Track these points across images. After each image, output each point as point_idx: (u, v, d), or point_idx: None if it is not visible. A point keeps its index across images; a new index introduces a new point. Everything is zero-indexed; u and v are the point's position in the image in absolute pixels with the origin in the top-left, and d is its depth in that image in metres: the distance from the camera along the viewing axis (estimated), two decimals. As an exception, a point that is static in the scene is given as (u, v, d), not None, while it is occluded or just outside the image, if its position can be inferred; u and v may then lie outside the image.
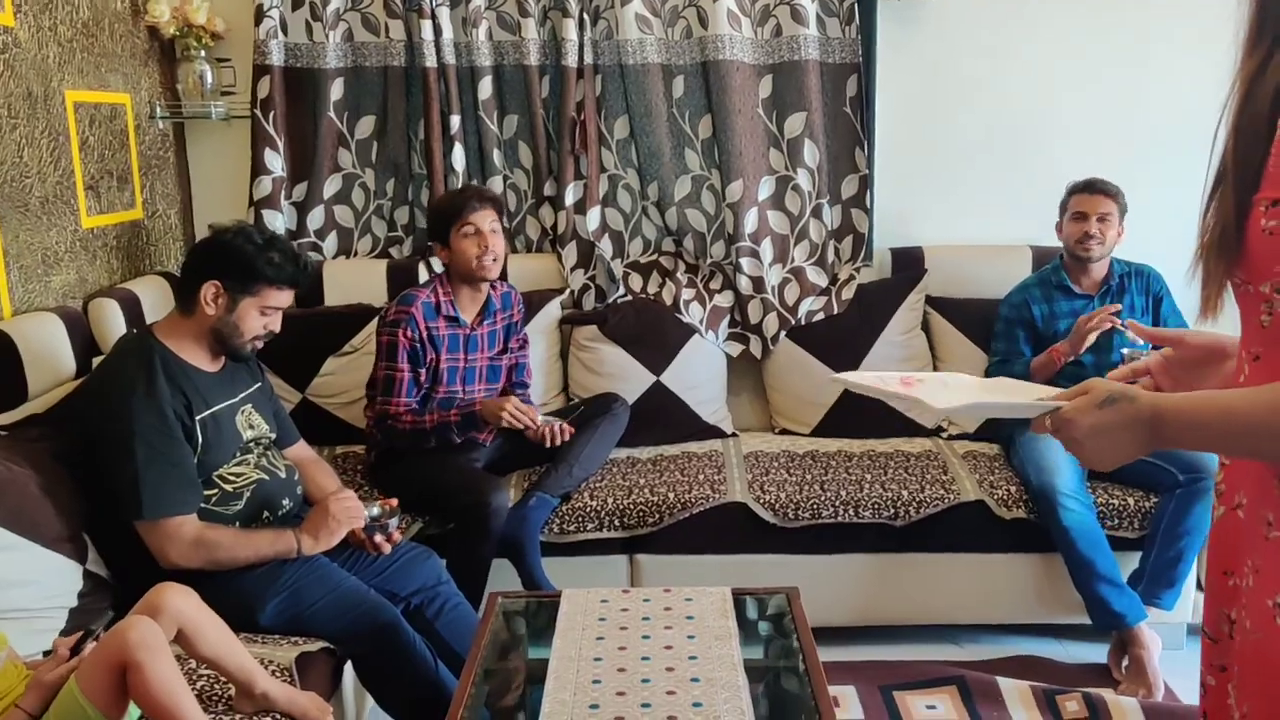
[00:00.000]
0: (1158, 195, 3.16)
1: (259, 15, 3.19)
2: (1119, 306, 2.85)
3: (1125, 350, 2.73)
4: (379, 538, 2.27)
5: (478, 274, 2.78)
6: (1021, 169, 3.39)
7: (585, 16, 3.21)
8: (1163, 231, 3.08)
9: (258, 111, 3.24)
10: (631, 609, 2.02)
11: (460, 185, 3.20)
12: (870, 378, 1.32)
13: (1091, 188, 2.98)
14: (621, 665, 1.79)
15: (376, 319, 2.91)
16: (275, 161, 3.27)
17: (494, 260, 2.79)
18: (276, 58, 3.23)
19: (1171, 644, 2.77)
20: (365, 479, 2.87)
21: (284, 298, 2.25)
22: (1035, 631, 2.91)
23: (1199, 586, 2.79)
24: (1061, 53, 3.32)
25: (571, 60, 3.21)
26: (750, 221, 3.26)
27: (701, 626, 1.94)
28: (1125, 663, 2.68)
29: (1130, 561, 2.75)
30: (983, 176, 3.41)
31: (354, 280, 3.33)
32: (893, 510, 2.74)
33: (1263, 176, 1.00)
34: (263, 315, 2.22)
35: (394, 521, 2.28)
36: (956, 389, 1.27)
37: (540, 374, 3.19)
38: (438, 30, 3.19)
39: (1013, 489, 2.77)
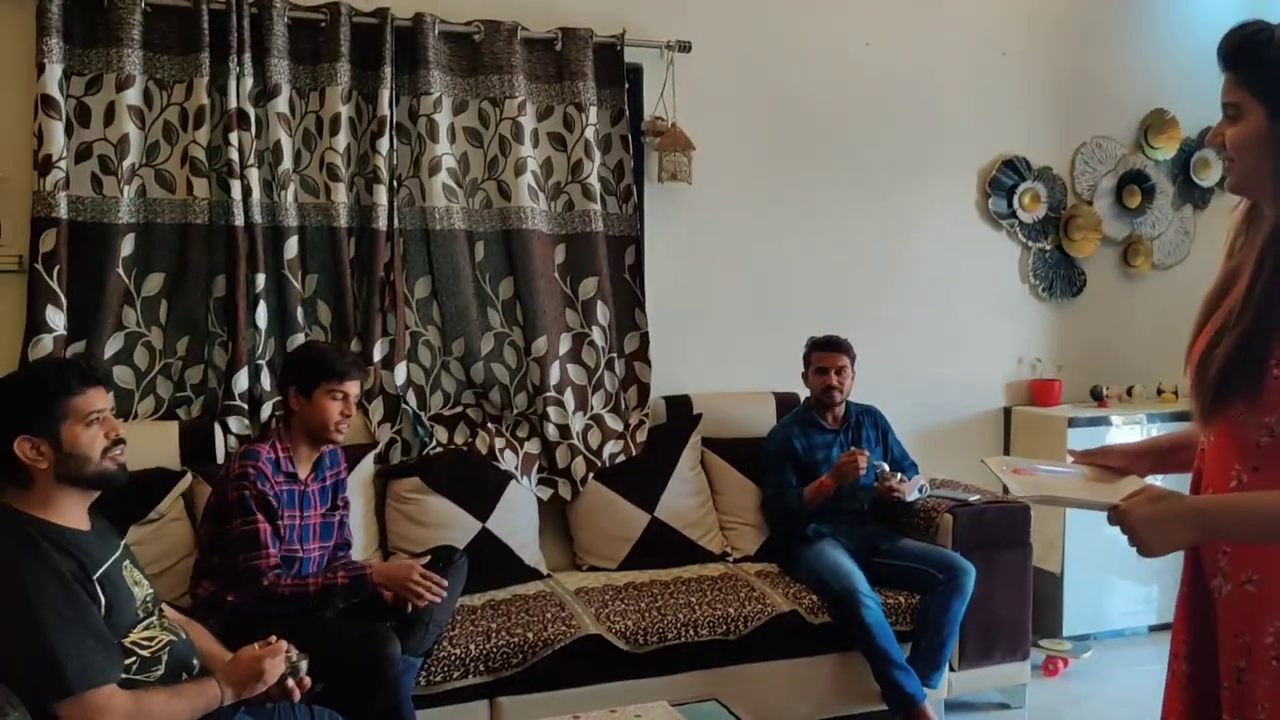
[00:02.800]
0: (872, 344, 3.89)
1: (46, 166, 3.01)
2: (867, 454, 3.42)
3: (876, 471, 3.37)
4: (290, 683, 2.16)
5: (330, 436, 2.80)
6: (762, 327, 4.00)
7: (395, 183, 3.38)
8: (877, 375, 3.80)
9: (39, 266, 3.02)
10: (596, 733, 2.15)
11: (330, 343, 3.24)
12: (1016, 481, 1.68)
13: (829, 345, 3.56)
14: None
15: (223, 475, 2.78)
16: (57, 319, 3.04)
17: (347, 427, 2.83)
18: (63, 210, 3.04)
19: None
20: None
21: (95, 398, 2.07)
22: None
23: (950, 669, 3.39)
24: (790, 230, 4.02)
25: (382, 224, 3.35)
26: (554, 374, 3.53)
27: (671, 738, 2.13)
28: (913, 739, 3.16)
29: (904, 651, 3.27)
30: (732, 333, 3.97)
31: (140, 445, 3.07)
32: (725, 627, 3.07)
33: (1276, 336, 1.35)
34: (89, 426, 2.03)
35: (304, 665, 2.20)
36: (1043, 483, 1.63)
37: (358, 530, 3.17)
38: (246, 190, 3.20)
39: (813, 598, 3.22)
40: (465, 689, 2.83)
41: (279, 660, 2.13)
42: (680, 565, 3.48)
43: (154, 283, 3.22)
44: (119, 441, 2.09)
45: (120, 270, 3.14)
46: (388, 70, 3.33)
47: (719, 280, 3.96)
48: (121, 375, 3.20)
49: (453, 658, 2.81)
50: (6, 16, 3.06)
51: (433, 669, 2.78)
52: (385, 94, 3.33)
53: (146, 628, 2.06)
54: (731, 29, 3.90)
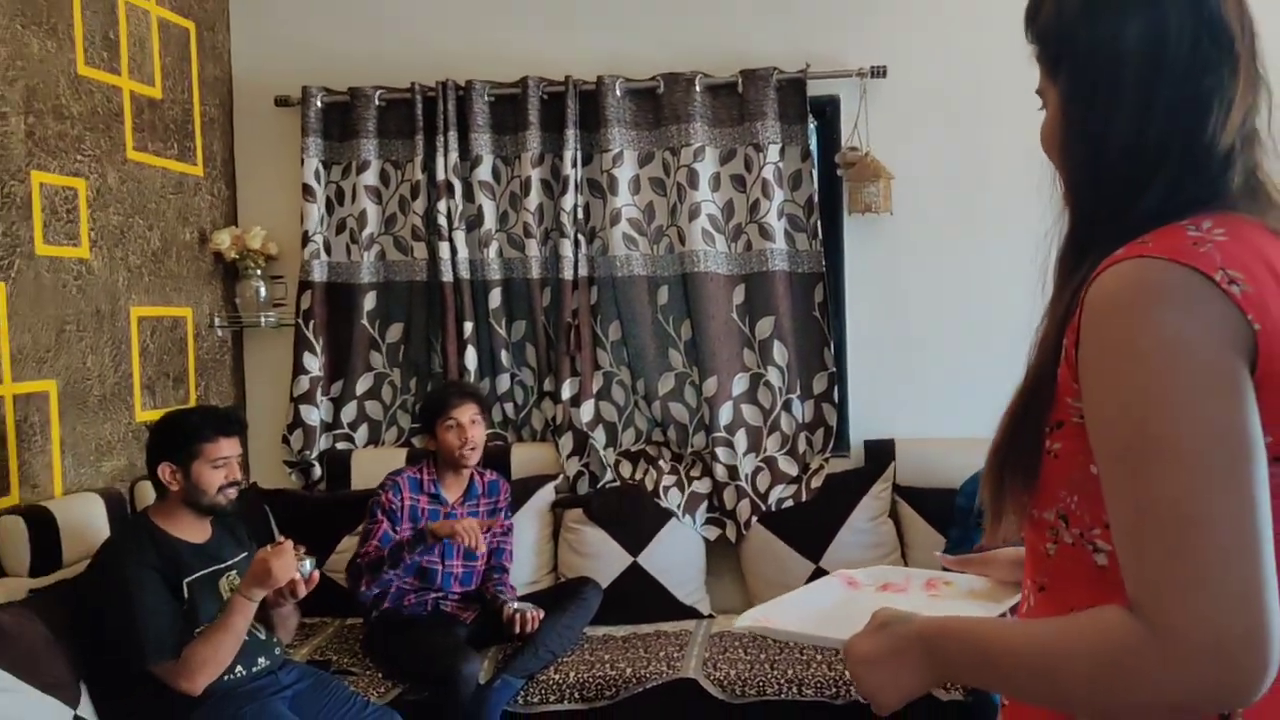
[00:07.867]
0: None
1: (304, 240, 3.75)
2: None
3: None
4: (297, 576, 2.51)
5: (459, 462, 3.16)
6: (982, 365, 3.60)
7: (580, 237, 3.66)
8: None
9: (299, 321, 3.76)
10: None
11: (438, 386, 3.62)
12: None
13: None
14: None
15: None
16: (313, 363, 3.76)
17: (472, 449, 3.17)
18: (318, 275, 3.76)
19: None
20: (363, 648, 3.16)
21: (225, 446, 2.59)
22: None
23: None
24: (1010, 257, 3.58)
25: (568, 274, 3.65)
26: (725, 414, 3.56)
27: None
28: None
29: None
30: (949, 373, 3.64)
31: (379, 466, 3.70)
32: (834, 689, 2.88)
33: (1053, 398, 0.94)
34: (215, 469, 2.57)
35: (308, 565, 2.53)
36: (790, 607, 1.26)
37: (531, 554, 3.48)
38: (454, 250, 3.68)
39: (954, 672, 2.88)
40: (560, 713, 2.99)
41: (286, 560, 2.46)
42: (847, 619, 3.29)
43: (395, 332, 3.83)
44: (234, 484, 2.63)
45: (365, 322, 3.79)
46: (570, 133, 3.63)
47: (929, 315, 3.65)
48: (372, 409, 3.85)
49: (552, 682, 2.99)
50: (282, 123, 3.85)
51: (531, 690, 2.98)
52: (569, 154, 3.62)
53: None
54: (932, 46, 3.61)
